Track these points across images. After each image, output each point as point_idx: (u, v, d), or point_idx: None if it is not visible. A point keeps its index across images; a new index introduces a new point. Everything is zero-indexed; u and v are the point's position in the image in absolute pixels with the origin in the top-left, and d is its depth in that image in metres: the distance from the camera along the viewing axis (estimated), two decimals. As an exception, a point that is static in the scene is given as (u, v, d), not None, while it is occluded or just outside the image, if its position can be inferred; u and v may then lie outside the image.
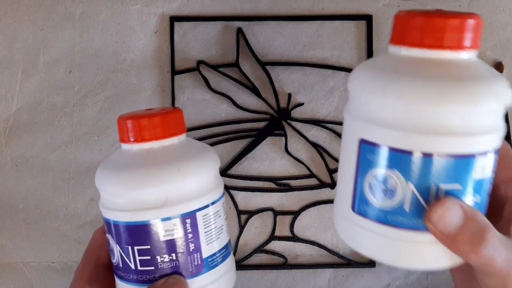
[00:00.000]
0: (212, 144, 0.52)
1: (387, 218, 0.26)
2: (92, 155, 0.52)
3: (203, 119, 0.52)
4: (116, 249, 0.31)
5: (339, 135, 0.52)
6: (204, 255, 0.31)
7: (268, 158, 0.52)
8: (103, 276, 0.33)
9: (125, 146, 0.32)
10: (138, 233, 0.30)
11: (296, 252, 0.54)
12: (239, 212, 0.53)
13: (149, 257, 0.30)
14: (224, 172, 0.52)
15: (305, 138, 0.52)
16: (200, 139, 0.52)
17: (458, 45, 0.25)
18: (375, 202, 0.27)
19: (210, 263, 0.31)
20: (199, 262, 0.31)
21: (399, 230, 0.26)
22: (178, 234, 0.30)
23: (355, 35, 0.51)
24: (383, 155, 0.26)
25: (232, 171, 0.52)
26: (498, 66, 0.51)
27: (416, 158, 0.25)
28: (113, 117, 0.52)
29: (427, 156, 0.25)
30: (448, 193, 0.25)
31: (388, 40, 0.50)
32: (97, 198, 0.52)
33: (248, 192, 0.53)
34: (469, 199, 0.26)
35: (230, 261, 0.34)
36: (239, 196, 0.53)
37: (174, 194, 0.30)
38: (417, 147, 0.25)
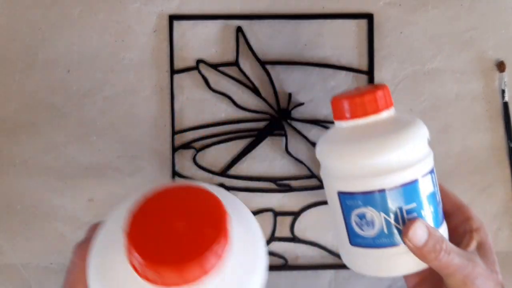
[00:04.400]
0: (212, 144, 0.51)
1: (375, 242, 0.35)
2: (90, 156, 0.51)
3: (203, 119, 0.51)
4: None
5: (340, 135, 0.51)
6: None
7: (268, 158, 0.52)
8: None
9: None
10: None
11: (297, 253, 0.53)
12: (239, 213, 0.52)
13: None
14: (224, 172, 0.52)
15: (306, 138, 0.51)
16: (200, 139, 0.51)
17: (375, 110, 0.35)
18: (363, 234, 0.35)
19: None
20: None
21: (384, 249, 0.35)
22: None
23: (356, 34, 0.51)
24: (357, 199, 0.35)
25: (232, 171, 0.52)
26: (500, 66, 0.51)
27: (377, 194, 0.34)
28: (112, 117, 0.51)
29: (382, 192, 0.34)
30: (409, 212, 0.34)
31: (389, 39, 0.50)
32: (96, 198, 0.52)
33: (248, 193, 0.52)
34: (427, 210, 0.35)
35: None
36: (239, 196, 0.52)
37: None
38: (374, 187, 0.34)
